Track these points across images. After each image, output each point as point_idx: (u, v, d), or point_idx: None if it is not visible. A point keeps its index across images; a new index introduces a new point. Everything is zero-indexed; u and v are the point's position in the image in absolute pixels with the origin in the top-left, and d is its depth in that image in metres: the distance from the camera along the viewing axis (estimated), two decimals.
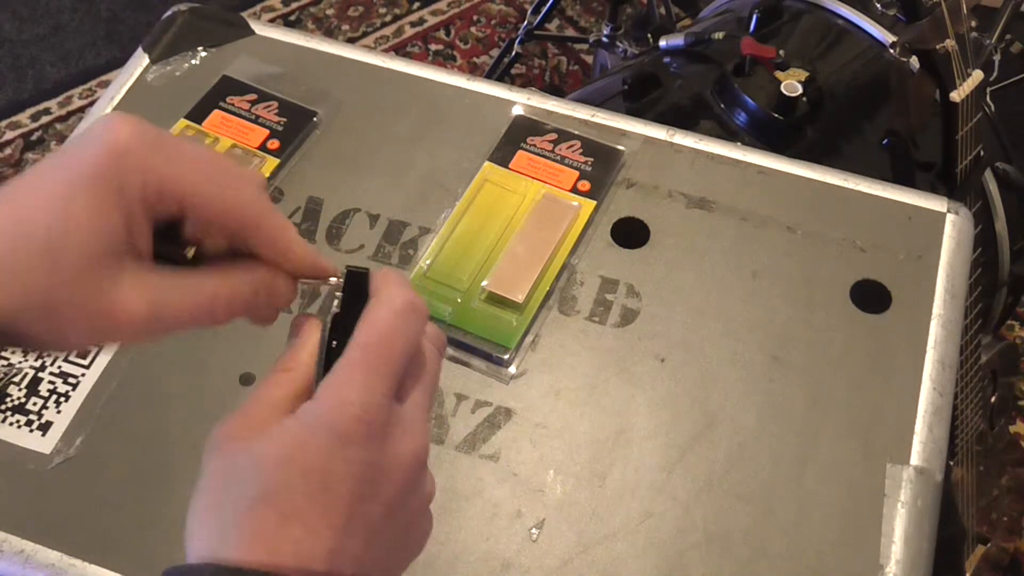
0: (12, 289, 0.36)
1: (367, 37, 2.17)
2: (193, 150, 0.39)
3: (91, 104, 2.01)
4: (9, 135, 2.01)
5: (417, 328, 0.42)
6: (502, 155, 0.85)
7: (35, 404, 0.72)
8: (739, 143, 0.87)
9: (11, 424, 0.71)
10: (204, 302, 0.40)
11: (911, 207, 0.82)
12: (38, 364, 0.74)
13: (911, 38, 0.91)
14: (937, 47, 0.90)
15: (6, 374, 0.73)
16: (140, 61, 0.91)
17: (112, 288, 0.37)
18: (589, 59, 2.09)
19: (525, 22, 1.80)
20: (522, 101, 0.88)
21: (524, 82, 2.08)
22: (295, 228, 0.42)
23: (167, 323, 0.39)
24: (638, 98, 1.11)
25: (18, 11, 2.19)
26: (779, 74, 1.05)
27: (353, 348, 0.40)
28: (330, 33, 2.17)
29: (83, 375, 0.74)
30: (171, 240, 0.40)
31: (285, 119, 0.87)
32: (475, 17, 2.20)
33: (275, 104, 0.88)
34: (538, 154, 0.84)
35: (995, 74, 1.17)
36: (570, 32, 2.17)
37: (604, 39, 1.64)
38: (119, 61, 2.01)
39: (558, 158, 0.84)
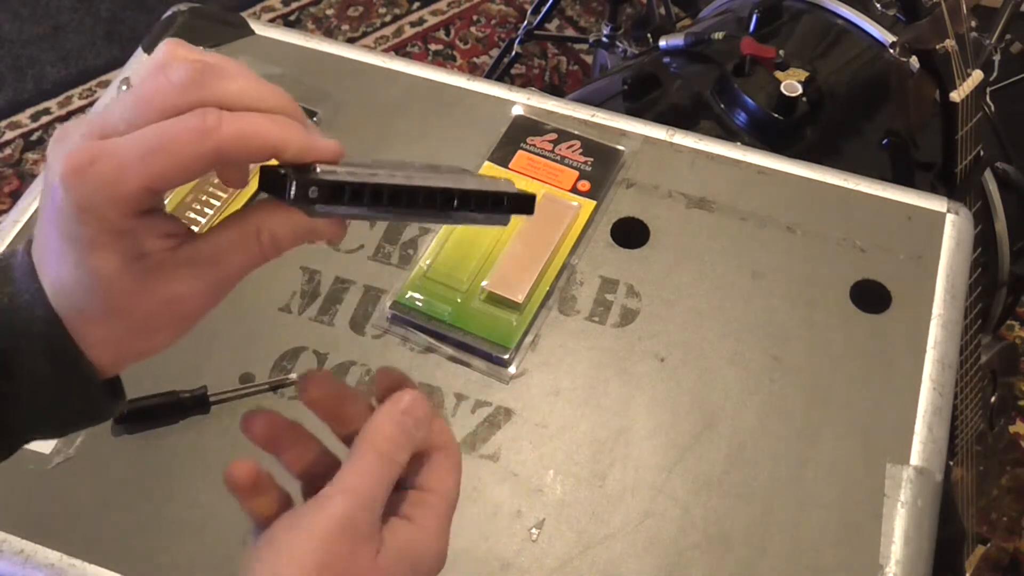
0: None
1: (367, 37, 2.17)
2: (130, 149, 0.36)
3: (91, 104, 2.01)
4: (9, 135, 2.01)
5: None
6: (502, 155, 0.84)
7: None
8: (739, 143, 0.87)
9: None
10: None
11: (911, 207, 0.82)
12: None
13: (911, 38, 0.91)
14: (937, 47, 0.90)
15: None
16: (140, 61, 0.91)
17: (157, 284, 0.40)
18: (589, 59, 2.09)
19: (525, 22, 1.79)
20: (522, 101, 0.88)
21: (524, 82, 2.07)
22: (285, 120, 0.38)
23: (225, 277, 0.41)
24: (638, 98, 1.11)
25: (18, 11, 2.19)
26: (779, 74, 1.05)
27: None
28: (330, 33, 2.17)
29: None
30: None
31: None
32: (475, 17, 2.20)
33: None
34: (538, 154, 0.84)
35: (995, 74, 1.17)
36: (570, 32, 2.17)
37: (604, 39, 1.64)
38: (119, 61, 2.01)
39: (558, 158, 0.84)
